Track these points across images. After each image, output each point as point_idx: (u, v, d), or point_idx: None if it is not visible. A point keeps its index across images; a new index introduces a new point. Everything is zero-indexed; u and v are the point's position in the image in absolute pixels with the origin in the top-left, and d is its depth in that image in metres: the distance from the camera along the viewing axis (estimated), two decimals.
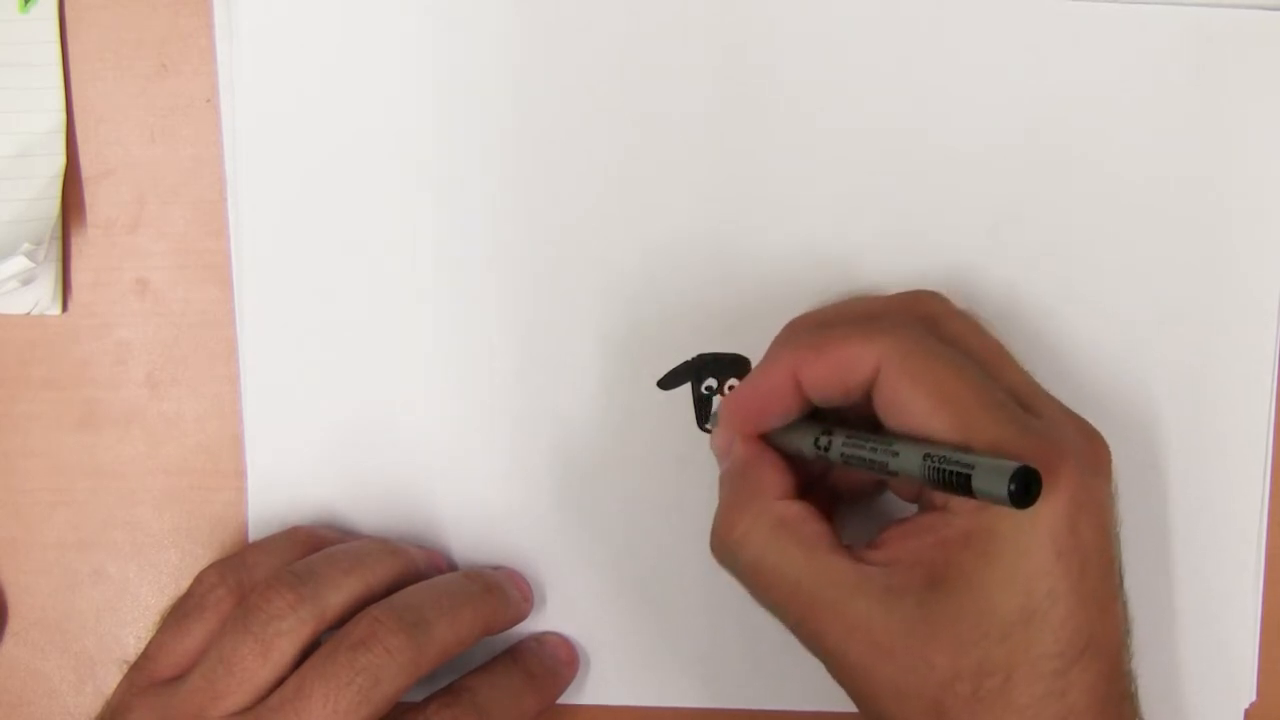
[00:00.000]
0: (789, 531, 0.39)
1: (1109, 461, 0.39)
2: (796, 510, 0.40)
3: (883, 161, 0.45)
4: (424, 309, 0.46)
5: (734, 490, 0.41)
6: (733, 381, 0.46)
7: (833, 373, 0.39)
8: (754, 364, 0.46)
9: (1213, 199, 0.46)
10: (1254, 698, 0.47)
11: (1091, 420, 0.40)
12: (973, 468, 0.35)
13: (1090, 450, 0.39)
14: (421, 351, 0.46)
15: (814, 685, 0.47)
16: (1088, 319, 0.46)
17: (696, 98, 0.45)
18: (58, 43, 0.46)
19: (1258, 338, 0.47)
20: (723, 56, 0.45)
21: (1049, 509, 0.36)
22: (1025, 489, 0.34)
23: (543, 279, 0.46)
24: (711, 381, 0.46)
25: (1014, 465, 0.34)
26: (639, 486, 0.46)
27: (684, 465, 0.46)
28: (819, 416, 0.42)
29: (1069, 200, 0.46)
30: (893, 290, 0.45)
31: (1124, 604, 0.39)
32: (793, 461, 0.42)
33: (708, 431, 0.46)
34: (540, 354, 0.46)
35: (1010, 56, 0.45)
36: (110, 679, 0.47)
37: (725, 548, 0.40)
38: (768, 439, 0.42)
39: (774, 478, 0.41)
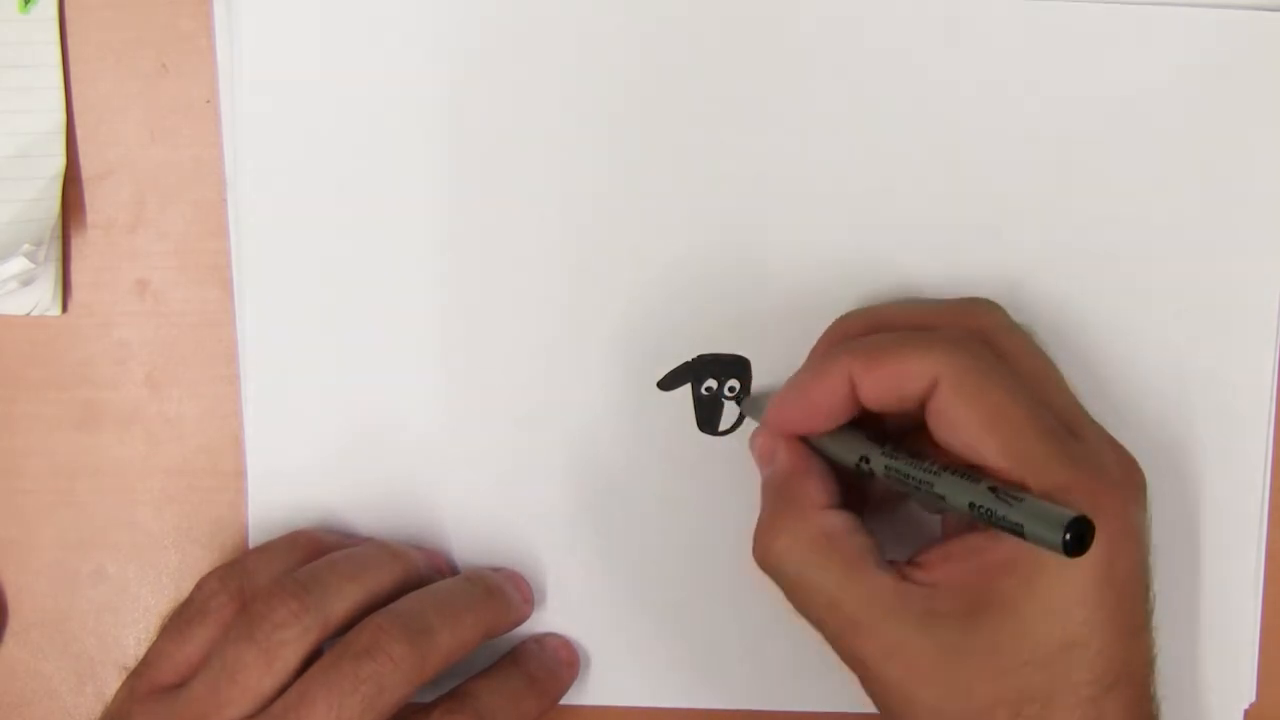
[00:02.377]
0: (832, 547, 0.39)
1: (1145, 490, 0.39)
2: (840, 522, 0.40)
3: (884, 162, 0.45)
4: (424, 309, 0.46)
5: (777, 499, 0.41)
6: (733, 382, 0.46)
7: (890, 383, 0.39)
8: (754, 365, 0.46)
9: (1213, 199, 0.46)
10: (1254, 698, 0.47)
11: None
12: (1022, 526, 0.35)
13: (1129, 479, 0.39)
14: (421, 352, 0.46)
15: (815, 686, 0.47)
16: (1086, 319, 0.46)
17: (698, 97, 0.45)
18: (58, 43, 0.46)
19: (1258, 337, 0.47)
20: (726, 57, 0.45)
21: (1092, 540, 0.36)
22: (1079, 539, 0.34)
23: (543, 280, 0.46)
24: (711, 382, 0.46)
25: (1067, 516, 0.34)
26: (639, 487, 0.46)
27: (684, 466, 0.46)
28: (862, 421, 0.41)
29: (1069, 200, 0.46)
30: (897, 295, 0.45)
31: (1152, 630, 0.39)
32: (834, 466, 0.42)
33: (708, 434, 0.46)
34: (540, 354, 0.46)
35: (1012, 58, 0.45)
36: (110, 680, 0.47)
37: (768, 559, 0.40)
38: (808, 442, 0.42)
39: (817, 487, 0.41)
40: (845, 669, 0.40)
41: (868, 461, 0.40)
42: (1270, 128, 0.46)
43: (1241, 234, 0.46)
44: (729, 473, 0.46)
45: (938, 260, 0.46)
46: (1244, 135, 0.46)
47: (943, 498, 0.38)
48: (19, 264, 0.44)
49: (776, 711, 0.47)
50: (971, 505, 0.37)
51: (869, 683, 0.39)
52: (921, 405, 0.39)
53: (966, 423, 0.38)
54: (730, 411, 0.46)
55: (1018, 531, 0.36)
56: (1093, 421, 0.40)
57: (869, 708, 0.41)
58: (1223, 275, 0.46)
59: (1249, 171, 0.46)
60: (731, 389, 0.46)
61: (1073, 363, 0.45)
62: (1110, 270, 0.46)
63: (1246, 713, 0.47)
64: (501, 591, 0.44)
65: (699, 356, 0.46)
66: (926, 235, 0.46)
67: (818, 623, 0.40)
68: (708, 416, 0.46)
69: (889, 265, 0.46)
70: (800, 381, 0.41)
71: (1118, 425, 0.41)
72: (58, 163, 0.45)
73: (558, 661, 0.46)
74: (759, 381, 0.46)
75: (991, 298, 0.44)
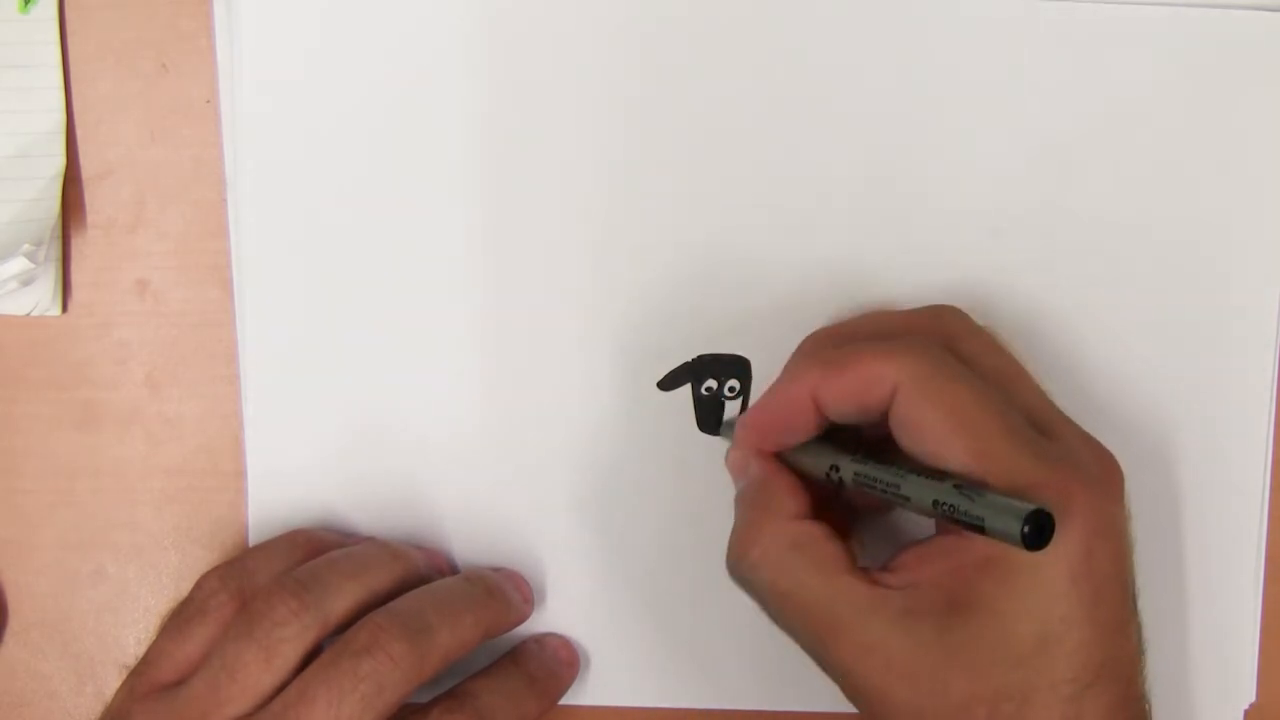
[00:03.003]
0: (805, 554, 0.39)
1: (1123, 485, 0.39)
2: (813, 531, 0.40)
3: (883, 165, 0.45)
4: (424, 309, 0.46)
5: (750, 511, 0.41)
6: (733, 382, 0.46)
7: (851, 392, 0.39)
8: (754, 365, 0.46)
9: (1213, 200, 0.46)
10: (1254, 698, 0.47)
11: (1089, 423, 0.40)
12: (983, 519, 0.35)
13: (1105, 475, 0.39)
14: (421, 351, 0.46)
15: (814, 686, 0.46)
16: (1086, 320, 0.46)
17: (698, 97, 0.45)
18: (58, 43, 0.46)
19: (1258, 338, 0.47)
20: (728, 57, 0.45)
21: (1065, 537, 0.36)
22: (1038, 532, 0.34)
23: (543, 280, 0.46)
24: (711, 383, 0.46)
25: (1026, 509, 0.34)
26: (639, 487, 0.46)
27: (684, 466, 0.46)
28: (834, 433, 0.41)
29: (1069, 202, 0.46)
30: (895, 295, 0.45)
31: (1138, 627, 0.39)
32: (808, 479, 0.42)
33: (708, 434, 0.46)
34: (540, 354, 0.46)
35: (1011, 60, 0.45)
36: (110, 680, 0.47)
37: (741, 570, 0.40)
38: (781, 457, 0.42)
39: (789, 498, 0.41)
40: None
41: (837, 470, 0.40)
42: (1270, 128, 0.46)
43: (1241, 235, 0.46)
44: (729, 474, 0.46)
45: (937, 260, 0.46)
46: (1244, 135, 0.46)
47: (909, 499, 0.38)
48: (19, 264, 0.44)
49: (776, 711, 0.47)
50: (935, 503, 0.37)
51: (848, 687, 0.39)
52: (886, 415, 0.39)
53: (930, 426, 0.38)
54: (730, 412, 0.46)
55: (979, 526, 0.35)
56: (1066, 419, 0.40)
57: None
58: (1222, 275, 0.46)
59: (1249, 172, 0.46)
60: (731, 389, 0.46)
61: (1072, 363, 0.46)
62: (1109, 270, 0.46)
63: (1246, 712, 0.47)
64: (501, 591, 0.44)
65: (699, 356, 0.46)
66: (925, 235, 0.46)
67: (793, 630, 0.40)
68: (708, 416, 0.46)
69: (888, 265, 0.46)
70: (767, 398, 0.42)
71: (1116, 425, 0.42)
72: (58, 163, 0.45)
73: (558, 661, 0.46)
74: (759, 382, 0.46)
75: (990, 297, 0.45)
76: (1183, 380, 0.46)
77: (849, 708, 0.41)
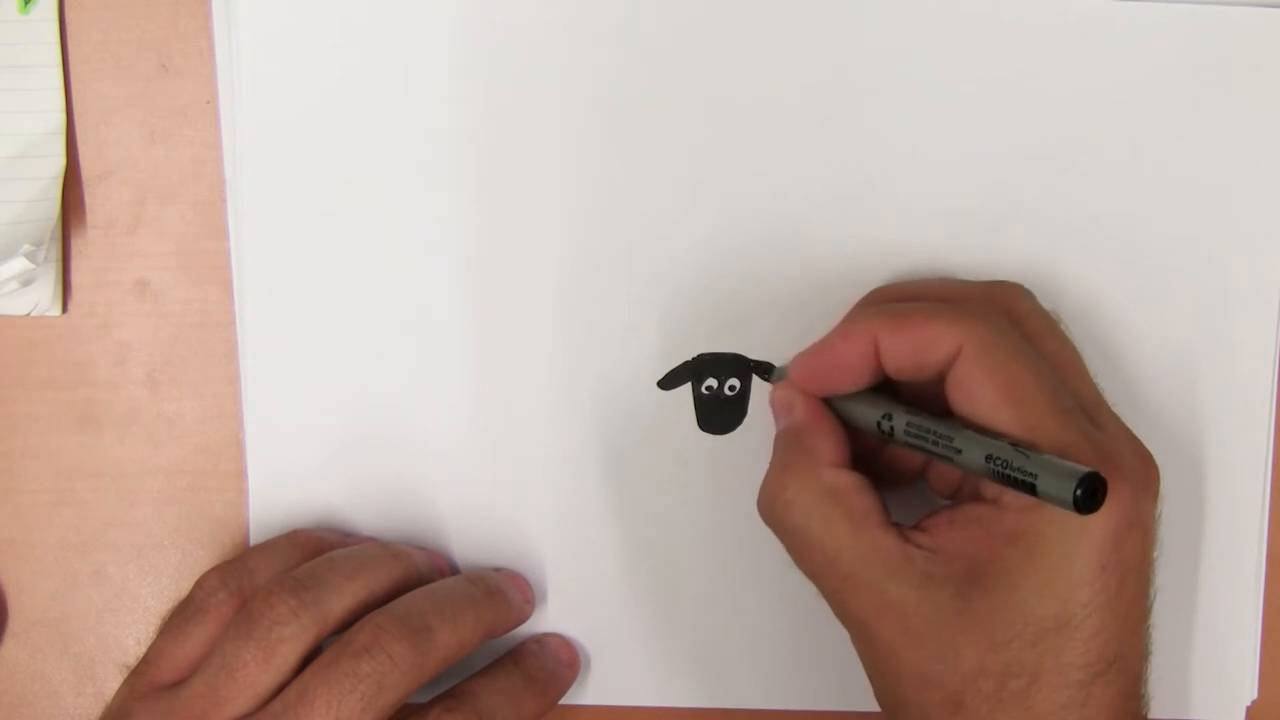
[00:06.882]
0: (838, 502, 0.39)
1: (1158, 486, 0.40)
2: (849, 481, 0.40)
3: (882, 163, 0.45)
4: (423, 309, 0.46)
5: (789, 451, 0.41)
6: (733, 382, 0.46)
7: (913, 348, 0.39)
8: (753, 365, 0.46)
9: (1213, 197, 0.46)
10: (1255, 695, 0.47)
11: None
12: (1036, 476, 0.35)
13: (1143, 471, 0.39)
14: (421, 352, 0.46)
15: (814, 685, 0.47)
16: (1084, 318, 0.46)
17: (697, 99, 0.45)
18: (58, 43, 0.46)
19: (1258, 337, 0.47)
20: (726, 58, 0.45)
21: (1098, 522, 0.36)
22: (1090, 495, 0.34)
23: (543, 280, 0.46)
24: (712, 381, 0.46)
25: (1081, 470, 0.35)
26: (639, 487, 0.46)
27: (684, 466, 0.46)
28: (881, 390, 0.42)
29: (1069, 199, 0.46)
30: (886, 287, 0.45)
31: (1149, 627, 0.39)
32: (849, 431, 0.42)
33: (708, 433, 0.46)
34: (540, 353, 0.46)
35: (1012, 56, 0.45)
36: (110, 680, 0.47)
37: (772, 509, 0.41)
38: (830, 404, 0.42)
39: (831, 444, 0.41)
40: (844, 667, 0.40)
41: (889, 419, 0.40)
42: (1271, 125, 0.46)
43: (1241, 233, 0.46)
44: (730, 473, 0.46)
45: (936, 259, 0.46)
46: (1244, 132, 0.46)
47: (960, 451, 0.38)
48: (19, 264, 0.44)
49: (776, 711, 0.47)
50: (989, 458, 0.37)
51: (860, 640, 0.39)
52: (938, 377, 0.39)
53: (984, 393, 0.38)
54: (729, 411, 0.46)
55: (1030, 485, 0.36)
56: (1113, 414, 0.40)
57: (869, 707, 0.41)
58: (1223, 274, 0.46)
59: (1249, 169, 0.46)
60: (731, 388, 0.46)
61: None
62: (1108, 268, 0.46)
63: (1248, 709, 0.47)
64: (502, 592, 0.44)
65: (699, 356, 0.46)
66: (926, 234, 0.46)
67: (816, 576, 0.40)
68: (708, 416, 0.46)
69: (888, 263, 0.46)
70: (827, 339, 0.42)
71: None
72: (58, 163, 0.46)
73: (558, 661, 0.46)
74: (758, 382, 0.46)
75: None
76: (1182, 378, 0.46)
77: (850, 708, 0.41)
